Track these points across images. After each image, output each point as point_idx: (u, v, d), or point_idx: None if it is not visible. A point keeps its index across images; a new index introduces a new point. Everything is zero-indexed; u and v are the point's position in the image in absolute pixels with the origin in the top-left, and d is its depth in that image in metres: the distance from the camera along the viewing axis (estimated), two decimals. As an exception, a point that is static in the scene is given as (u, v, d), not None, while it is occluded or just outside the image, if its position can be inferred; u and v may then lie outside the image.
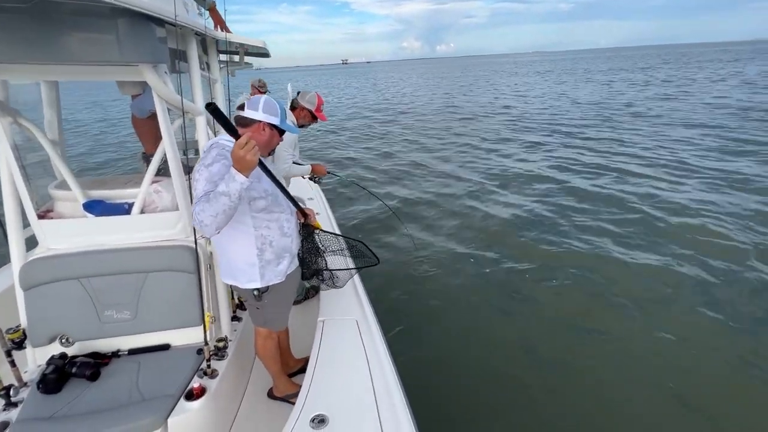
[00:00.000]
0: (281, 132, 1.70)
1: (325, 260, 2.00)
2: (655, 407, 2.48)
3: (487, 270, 4.18)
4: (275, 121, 1.63)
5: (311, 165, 2.96)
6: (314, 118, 2.85)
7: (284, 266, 1.81)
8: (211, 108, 1.30)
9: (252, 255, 1.71)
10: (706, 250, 4.26)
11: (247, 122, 1.62)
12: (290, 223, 1.81)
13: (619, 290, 3.68)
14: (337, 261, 2.06)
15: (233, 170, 1.37)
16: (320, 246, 1.99)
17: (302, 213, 1.92)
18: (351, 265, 2.07)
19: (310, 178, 3.23)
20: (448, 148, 9.94)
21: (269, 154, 1.76)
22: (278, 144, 1.75)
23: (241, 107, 1.64)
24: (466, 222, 5.41)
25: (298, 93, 2.85)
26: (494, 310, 3.54)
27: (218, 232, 1.49)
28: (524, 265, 4.19)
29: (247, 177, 1.39)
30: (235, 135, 1.40)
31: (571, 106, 15.48)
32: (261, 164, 1.52)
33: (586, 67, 43.31)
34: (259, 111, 1.60)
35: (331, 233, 2.03)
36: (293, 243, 1.84)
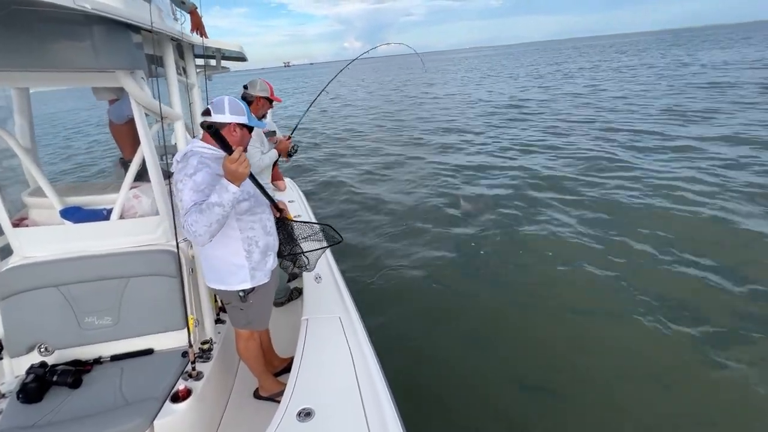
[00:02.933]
0: (250, 129, 1.73)
1: (301, 247, 2.07)
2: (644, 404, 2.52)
3: (468, 265, 4.28)
4: (244, 120, 1.64)
5: (275, 149, 2.86)
6: (270, 103, 2.82)
7: (270, 264, 1.86)
8: (213, 131, 1.35)
9: (241, 257, 1.74)
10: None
11: (218, 127, 1.57)
12: (270, 221, 1.86)
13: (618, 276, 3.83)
14: (309, 246, 2.13)
15: (225, 181, 1.41)
16: (294, 234, 2.07)
17: (276, 207, 1.97)
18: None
19: (289, 154, 3.12)
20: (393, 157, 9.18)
21: None
22: (249, 141, 1.77)
23: (206, 112, 1.61)
24: (441, 218, 5.52)
25: (246, 87, 2.75)
26: (477, 303, 3.63)
27: (211, 240, 1.51)
28: (506, 258, 4.32)
29: (238, 187, 1.44)
30: (229, 151, 1.43)
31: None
32: None
33: (512, 62, 46.46)
34: (226, 113, 1.60)
35: (300, 222, 2.13)
36: (275, 240, 1.89)
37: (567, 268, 4.01)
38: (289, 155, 3.07)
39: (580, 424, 2.42)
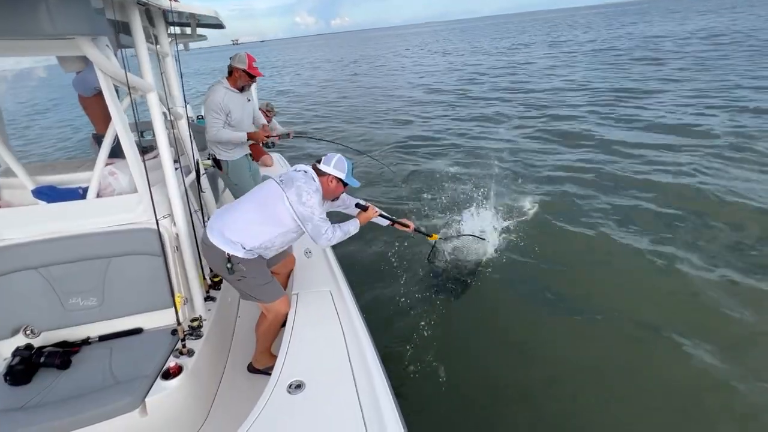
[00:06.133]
0: (345, 184, 2.09)
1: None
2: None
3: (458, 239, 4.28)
4: (341, 175, 2.05)
5: (247, 132, 3.02)
6: (251, 77, 2.93)
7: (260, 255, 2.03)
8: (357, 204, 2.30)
9: (248, 245, 1.92)
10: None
11: (321, 173, 2.03)
12: (286, 254, 2.30)
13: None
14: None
15: (358, 222, 2.17)
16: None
17: (402, 224, 2.52)
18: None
19: (263, 144, 3.23)
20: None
21: (333, 200, 2.20)
22: (341, 192, 2.13)
23: (319, 161, 2.07)
24: (434, 191, 5.49)
25: (231, 59, 2.93)
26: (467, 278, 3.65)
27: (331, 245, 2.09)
28: (498, 231, 4.33)
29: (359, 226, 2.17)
30: (366, 209, 2.28)
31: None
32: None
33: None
34: (331, 167, 2.03)
35: (450, 237, 2.29)
36: (274, 260, 2.19)
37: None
38: (265, 145, 3.24)
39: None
